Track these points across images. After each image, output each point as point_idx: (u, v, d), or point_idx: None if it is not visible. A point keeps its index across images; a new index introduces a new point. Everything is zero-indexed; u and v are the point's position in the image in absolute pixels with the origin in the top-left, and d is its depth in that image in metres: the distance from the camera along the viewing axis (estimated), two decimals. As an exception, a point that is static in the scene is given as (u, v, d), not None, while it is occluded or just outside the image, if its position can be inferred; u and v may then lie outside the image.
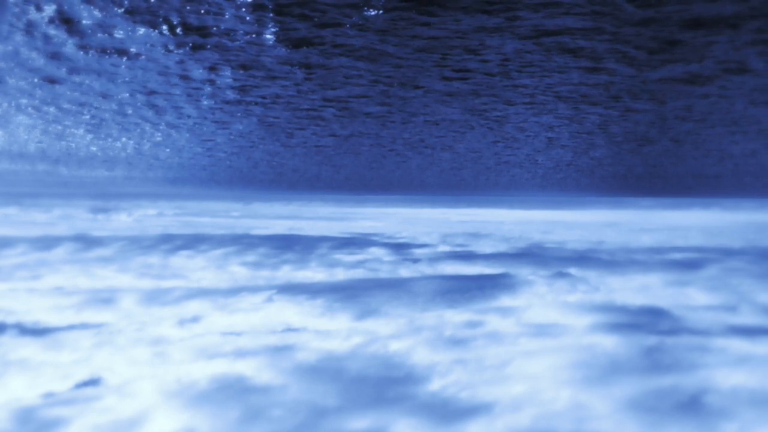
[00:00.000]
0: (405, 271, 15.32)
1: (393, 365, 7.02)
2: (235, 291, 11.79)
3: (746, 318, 9.88)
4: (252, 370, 6.74)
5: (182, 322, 9.18)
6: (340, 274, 14.70)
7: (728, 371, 6.81)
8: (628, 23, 18.05)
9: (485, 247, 22.05)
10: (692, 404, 5.91)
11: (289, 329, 9.06)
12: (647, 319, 9.54)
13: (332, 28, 20.63)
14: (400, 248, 20.99)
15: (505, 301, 11.39)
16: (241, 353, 7.45)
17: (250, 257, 17.65)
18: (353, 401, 5.91)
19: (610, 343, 7.89)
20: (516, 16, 18.44)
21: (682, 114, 35.72)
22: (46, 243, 20.49)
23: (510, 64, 25.62)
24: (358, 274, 14.86)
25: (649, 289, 12.86)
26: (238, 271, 15.05)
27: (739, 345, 7.97)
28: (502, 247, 22.23)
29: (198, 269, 15.18)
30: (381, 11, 15.95)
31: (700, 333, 8.67)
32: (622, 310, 10.26)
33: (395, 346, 7.77)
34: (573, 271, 15.32)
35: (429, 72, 27.37)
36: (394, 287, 12.30)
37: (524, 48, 22.92)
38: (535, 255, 19.36)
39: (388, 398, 6.00)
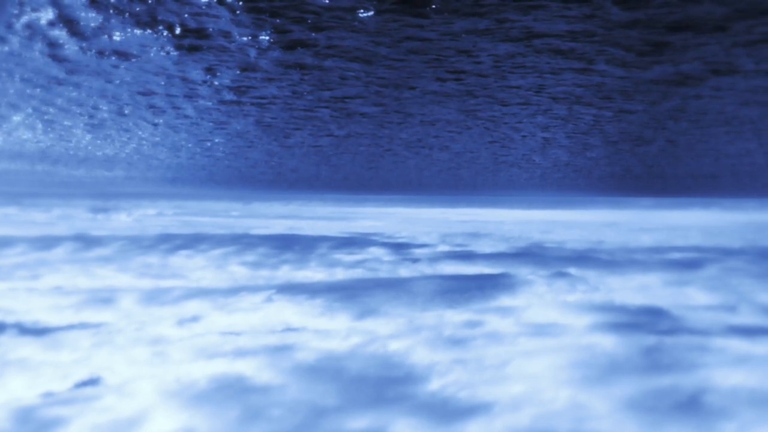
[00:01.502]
0: (405, 271, 15.32)
1: (392, 365, 7.02)
2: (234, 291, 11.79)
3: (745, 318, 9.89)
4: (252, 370, 6.74)
5: (182, 322, 9.17)
6: (340, 274, 14.70)
7: (727, 371, 6.82)
8: (617, 26, 18.12)
9: (485, 247, 22.05)
10: (691, 404, 5.92)
11: (289, 329, 9.06)
12: (647, 319, 9.54)
13: (326, 31, 20.66)
14: (400, 248, 20.99)
15: (505, 301, 11.39)
16: (240, 353, 7.45)
17: (250, 257, 17.65)
18: (353, 401, 5.91)
19: (609, 342, 7.90)
20: (505, 18, 18.52)
21: (676, 114, 35.76)
22: (46, 243, 20.47)
23: (503, 65, 25.65)
24: (358, 273, 14.86)
25: (649, 289, 12.87)
26: (237, 270, 15.05)
27: (739, 345, 7.97)
28: (501, 247, 22.23)
29: (198, 269, 15.17)
30: (373, 12, 16.00)
31: (700, 333, 8.68)
32: (622, 310, 10.26)
33: (395, 346, 7.77)
34: (573, 271, 15.32)
35: (423, 73, 27.38)
36: (394, 287, 12.30)
37: (516, 50, 22.96)
38: (534, 255, 19.35)
39: (388, 398, 6.00)
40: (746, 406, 5.87)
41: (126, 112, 38.10)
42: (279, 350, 7.54)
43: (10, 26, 20.48)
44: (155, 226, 32.07)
